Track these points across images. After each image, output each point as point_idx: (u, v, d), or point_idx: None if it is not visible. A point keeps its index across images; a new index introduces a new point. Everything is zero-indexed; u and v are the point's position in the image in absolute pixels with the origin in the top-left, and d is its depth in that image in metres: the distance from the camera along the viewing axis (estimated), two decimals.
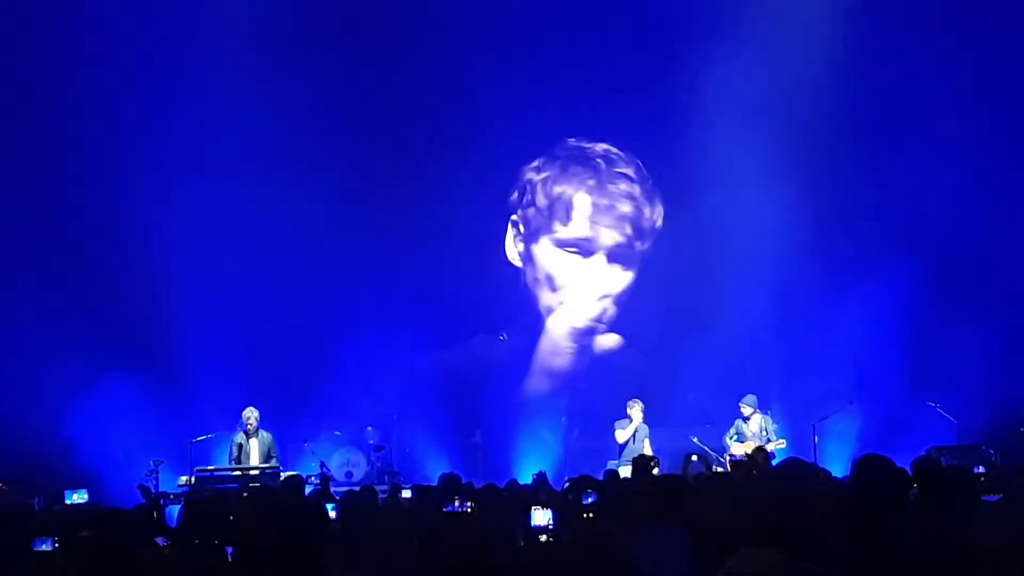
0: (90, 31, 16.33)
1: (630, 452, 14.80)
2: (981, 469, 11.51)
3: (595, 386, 17.88)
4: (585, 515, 7.02)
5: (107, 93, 16.47)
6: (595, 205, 18.42)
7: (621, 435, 15.47)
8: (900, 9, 17.28)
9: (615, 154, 18.58)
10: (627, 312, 18.38)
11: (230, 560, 6.57)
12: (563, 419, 17.88)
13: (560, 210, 18.47)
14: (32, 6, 16.84)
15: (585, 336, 18.53)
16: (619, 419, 15.61)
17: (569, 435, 17.82)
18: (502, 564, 5.28)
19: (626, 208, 18.41)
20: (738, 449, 14.99)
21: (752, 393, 15.72)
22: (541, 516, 7.05)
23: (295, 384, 16.96)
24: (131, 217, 16.32)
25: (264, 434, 14.70)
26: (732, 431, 15.56)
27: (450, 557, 5.44)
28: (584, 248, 18.42)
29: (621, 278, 18.47)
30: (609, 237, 18.39)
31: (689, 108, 17.07)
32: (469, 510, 7.12)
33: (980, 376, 15.91)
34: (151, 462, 14.80)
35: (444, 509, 7.22)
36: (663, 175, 18.12)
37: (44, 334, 15.73)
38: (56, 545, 6.60)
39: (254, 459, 14.49)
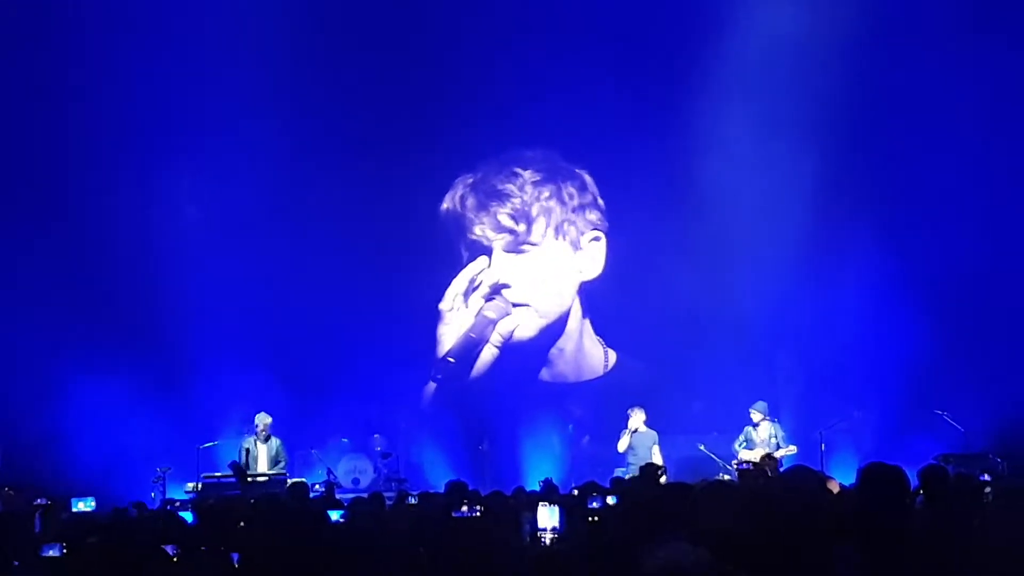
0: (91, 23, 16.50)
1: (635, 459, 14.76)
2: (986, 477, 11.41)
3: (601, 395, 17.84)
4: (590, 519, 6.97)
5: (109, 90, 16.51)
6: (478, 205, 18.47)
7: (620, 444, 15.41)
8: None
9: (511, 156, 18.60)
10: (625, 320, 18.26)
11: (236, 566, 6.59)
12: (570, 427, 17.86)
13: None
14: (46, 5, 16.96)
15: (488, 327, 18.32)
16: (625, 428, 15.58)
17: (576, 443, 17.78)
18: (507, 569, 5.28)
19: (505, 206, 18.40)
20: (747, 456, 14.94)
21: (762, 400, 15.70)
22: (546, 516, 6.84)
23: (303, 391, 16.96)
24: (139, 222, 16.37)
25: (273, 440, 14.76)
26: (741, 438, 15.51)
27: (456, 562, 5.44)
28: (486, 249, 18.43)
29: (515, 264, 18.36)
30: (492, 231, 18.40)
31: (687, 103, 17.09)
32: (479, 514, 7.08)
33: (987, 384, 15.87)
34: (158, 469, 14.83)
35: (453, 514, 7.19)
36: (661, 177, 17.93)
37: (52, 342, 15.75)
38: (64, 551, 6.60)
39: (262, 465, 14.54)
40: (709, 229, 17.31)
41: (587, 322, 18.63)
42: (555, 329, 18.45)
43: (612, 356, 18.60)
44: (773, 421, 15.60)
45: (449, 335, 18.18)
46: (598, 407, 17.66)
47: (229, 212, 17.00)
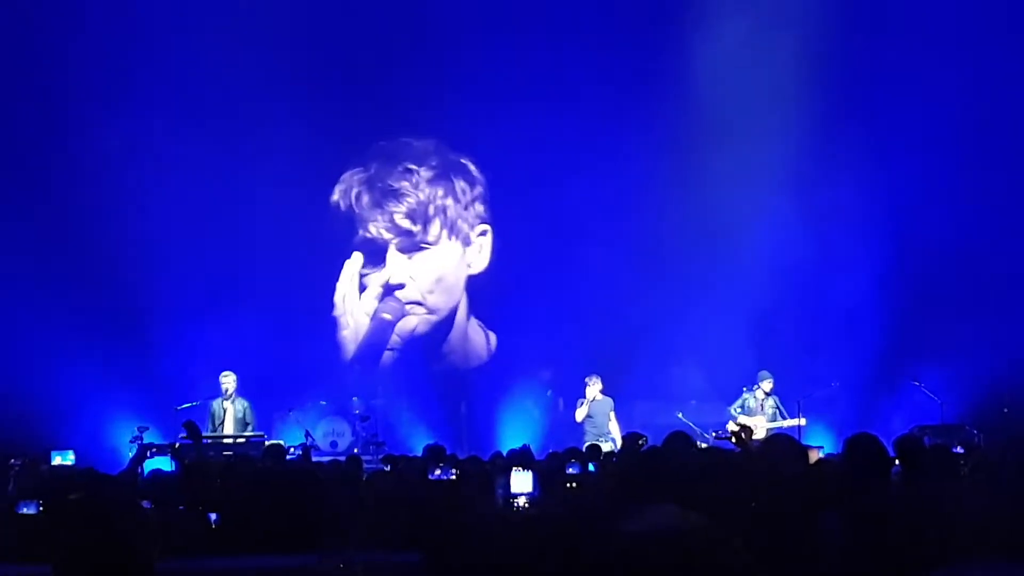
0: None
1: (593, 428, 14.71)
2: (960, 450, 11.41)
3: (578, 360, 17.71)
4: (568, 484, 6.97)
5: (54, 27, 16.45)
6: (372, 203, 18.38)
7: (578, 413, 15.20)
8: None
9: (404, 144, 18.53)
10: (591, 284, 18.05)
11: (212, 526, 6.61)
12: (549, 392, 17.84)
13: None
14: None
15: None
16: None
17: (555, 409, 17.74)
18: (482, 530, 5.28)
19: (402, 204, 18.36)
20: (745, 422, 14.65)
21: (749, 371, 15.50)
22: (520, 481, 6.64)
23: (282, 352, 16.93)
24: (115, 181, 16.24)
25: (240, 401, 14.59)
26: (738, 403, 15.08)
27: (429, 521, 5.46)
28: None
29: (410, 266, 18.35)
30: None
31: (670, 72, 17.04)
32: (454, 477, 7.09)
33: (964, 356, 15.91)
34: (136, 428, 14.76)
35: (428, 476, 7.21)
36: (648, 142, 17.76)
37: (31, 301, 15.67)
38: (41, 508, 6.58)
39: (228, 427, 14.39)
40: (693, 203, 17.20)
41: (470, 311, 18.65)
42: (446, 324, 18.55)
43: (493, 339, 18.63)
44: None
45: (350, 340, 18.28)
46: (576, 373, 17.54)
47: (202, 164, 16.95)
